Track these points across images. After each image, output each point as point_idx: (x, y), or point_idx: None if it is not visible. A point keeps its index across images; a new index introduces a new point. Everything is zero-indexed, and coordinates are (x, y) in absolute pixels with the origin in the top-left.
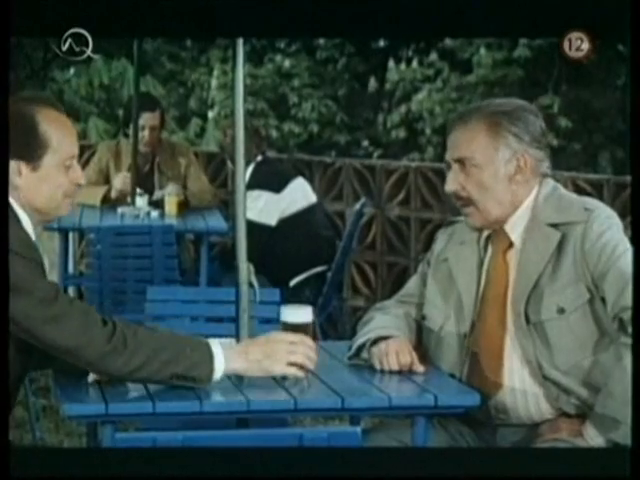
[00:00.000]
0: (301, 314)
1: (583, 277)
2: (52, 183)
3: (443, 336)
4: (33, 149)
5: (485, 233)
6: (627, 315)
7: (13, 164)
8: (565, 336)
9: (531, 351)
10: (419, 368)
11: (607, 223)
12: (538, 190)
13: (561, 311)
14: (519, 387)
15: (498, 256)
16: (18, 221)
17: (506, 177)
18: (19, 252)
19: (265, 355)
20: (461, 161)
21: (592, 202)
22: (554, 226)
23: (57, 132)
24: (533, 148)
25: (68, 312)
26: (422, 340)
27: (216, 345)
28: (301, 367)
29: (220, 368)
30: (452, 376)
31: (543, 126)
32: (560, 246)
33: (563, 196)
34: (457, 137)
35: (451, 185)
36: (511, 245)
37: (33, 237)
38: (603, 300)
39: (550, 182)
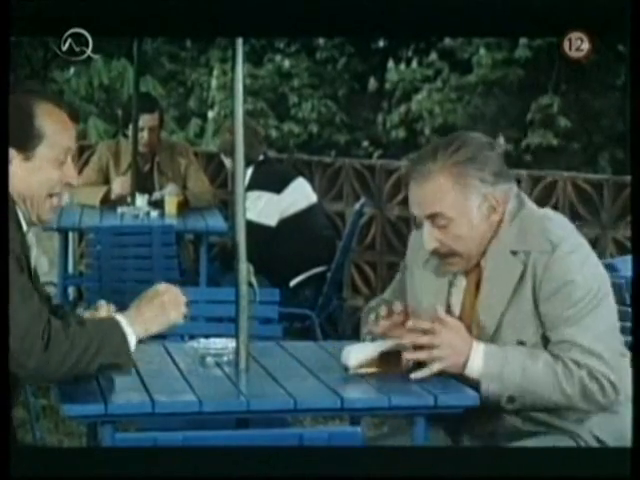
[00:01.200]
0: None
1: (539, 312)
2: (42, 176)
3: None
4: (27, 138)
5: None
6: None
7: None
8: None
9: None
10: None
11: (568, 263)
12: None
13: (520, 344)
14: None
15: (471, 286)
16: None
17: (482, 221)
18: None
19: (157, 311)
20: (433, 218)
21: (557, 232)
22: (515, 254)
23: (53, 126)
24: (500, 183)
25: (19, 309)
26: None
27: (124, 323)
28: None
29: (133, 342)
30: None
31: (500, 152)
32: (521, 277)
33: (527, 218)
34: (422, 193)
35: (430, 244)
36: (482, 271)
37: (24, 228)
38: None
39: (515, 199)
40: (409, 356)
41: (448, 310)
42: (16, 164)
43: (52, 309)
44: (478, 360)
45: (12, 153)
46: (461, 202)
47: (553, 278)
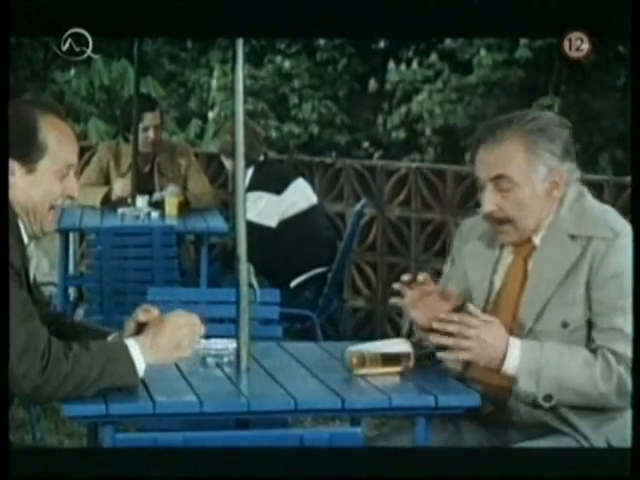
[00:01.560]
0: (399, 345)
1: (590, 297)
2: (43, 189)
3: None
4: (30, 152)
5: None
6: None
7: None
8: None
9: None
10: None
11: (628, 252)
12: (563, 192)
13: (565, 325)
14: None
15: (518, 261)
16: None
17: (543, 194)
18: None
19: (173, 345)
20: (497, 180)
21: (618, 221)
22: (574, 238)
23: (57, 139)
24: (567, 162)
25: (18, 328)
26: None
27: (133, 347)
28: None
29: (142, 369)
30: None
31: (570, 134)
32: (578, 260)
33: (588, 206)
34: (491, 155)
35: (488, 206)
36: (533, 249)
37: (25, 241)
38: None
39: (576, 187)
40: (434, 340)
41: (490, 287)
42: (18, 177)
43: (52, 315)
44: (515, 356)
45: (15, 166)
46: (529, 169)
47: (611, 265)
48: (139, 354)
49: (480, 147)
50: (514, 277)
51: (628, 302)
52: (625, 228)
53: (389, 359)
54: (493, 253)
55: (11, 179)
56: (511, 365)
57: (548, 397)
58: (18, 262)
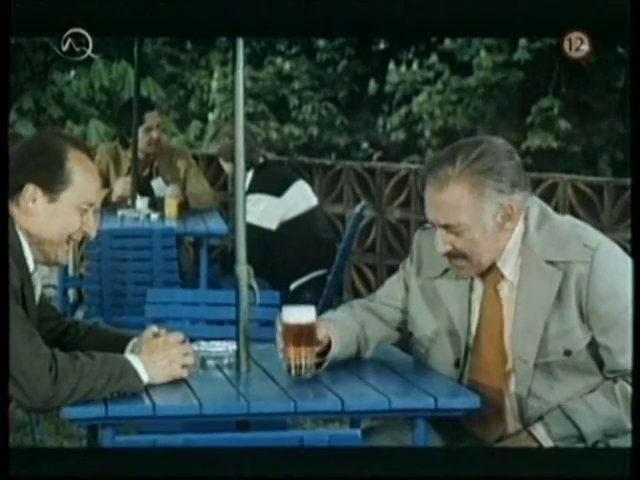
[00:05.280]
0: (304, 314)
1: (587, 319)
2: (63, 221)
3: (434, 355)
4: (55, 181)
5: None
6: (624, 379)
7: (31, 188)
8: (570, 373)
9: (533, 387)
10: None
11: (611, 265)
12: (525, 216)
13: (567, 353)
14: (515, 418)
15: (490, 290)
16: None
17: (496, 228)
18: None
19: (168, 362)
20: (447, 226)
21: (589, 236)
22: (552, 264)
23: (82, 175)
24: (517, 192)
25: (21, 341)
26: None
27: (136, 362)
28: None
29: (145, 378)
30: None
31: (517, 160)
32: (561, 287)
33: (555, 225)
34: (438, 200)
35: (442, 247)
36: (502, 277)
37: (31, 268)
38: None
39: (537, 208)
40: None
41: (469, 318)
42: (39, 204)
43: (64, 326)
44: (544, 436)
45: (37, 193)
46: (476, 211)
47: (600, 286)
48: (141, 367)
49: (427, 186)
50: (491, 309)
51: (628, 314)
52: (597, 238)
53: (294, 330)
54: (465, 284)
55: (32, 206)
56: (548, 442)
57: (596, 442)
58: (15, 283)
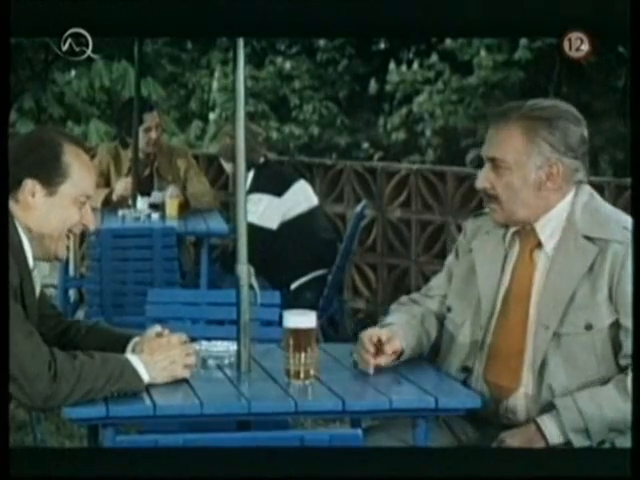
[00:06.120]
0: (305, 320)
1: (615, 299)
2: (63, 214)
3: (462, 328)
4: (53, 175)
5: (512, 228)
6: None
7: (29, 183)
8: (585, 353)
9: (549, 357)
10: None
11: None
12: (574, 197)
13: (588, 327)
14: (532, 390)
15: (525, 254)
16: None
17: (536, 182)
18: None
19: (169, 362)
20: (493, 160)
21: (628, 221)
22: (590, 239)
23: (79, 168)
24: (568, 157)
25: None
26: (442, 333)
27: (136, 362)
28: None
29: (145, 379)
30: (465, 369)
31: (584, 134)
32: (595, 262)
33: (600, 208)
34: (493, 135)
35: (481, 182)
36: (539, 245)
37: (31, 265)
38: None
39: (587, 189)
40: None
41: (498, 282)
42: (38, 198)
43: (65, 325)
44: (554, 433)
45: (36, 187)
46: (522, 155)
47: (633, 268)
48: (141, 367)
49: (490, 127)
50: (523, 271)
51: None
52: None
53: (294, 334)
54: (501, 249)
55: (31, 200)
56: (555, 439)
57: (601, 442)
58: (14, 280)
